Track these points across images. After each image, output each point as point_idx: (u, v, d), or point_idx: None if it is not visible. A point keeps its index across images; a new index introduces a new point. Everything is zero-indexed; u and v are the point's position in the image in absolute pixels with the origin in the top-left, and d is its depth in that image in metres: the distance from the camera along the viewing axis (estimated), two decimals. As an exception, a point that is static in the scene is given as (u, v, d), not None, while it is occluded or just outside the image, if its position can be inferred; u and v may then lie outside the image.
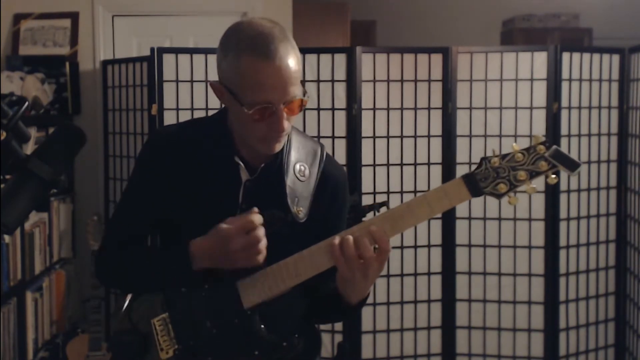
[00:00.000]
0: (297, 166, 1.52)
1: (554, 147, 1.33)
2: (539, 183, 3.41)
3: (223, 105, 1.54)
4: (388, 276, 3.22)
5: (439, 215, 3.23)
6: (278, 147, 1.46)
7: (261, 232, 1.40)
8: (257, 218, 1.40)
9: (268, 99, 1.37)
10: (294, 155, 1.53)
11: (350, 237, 1.36)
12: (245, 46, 1.37)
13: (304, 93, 1.43)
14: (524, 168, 1.33)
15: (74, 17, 3.96)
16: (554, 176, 1.33)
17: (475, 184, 1.34)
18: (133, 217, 1.58)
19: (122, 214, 1.63)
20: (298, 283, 1.41)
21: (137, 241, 1.59)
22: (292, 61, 1.38)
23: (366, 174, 3.17)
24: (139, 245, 1.59)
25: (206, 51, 3.11)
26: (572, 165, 1.31)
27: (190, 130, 1.59)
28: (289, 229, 1.46)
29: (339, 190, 1.59)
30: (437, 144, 3.24)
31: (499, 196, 1.34)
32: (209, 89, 3.15)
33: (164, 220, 1.56)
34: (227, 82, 1.42)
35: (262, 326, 1.44)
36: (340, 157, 3.13)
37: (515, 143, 1.37)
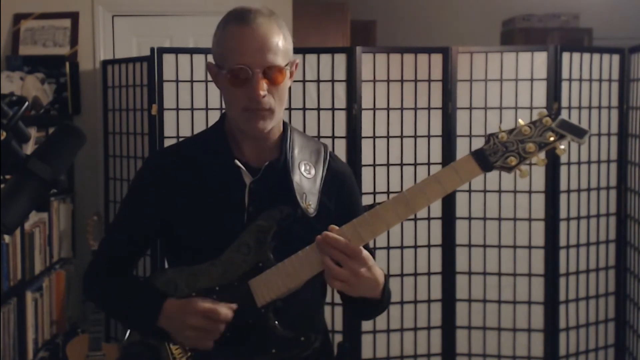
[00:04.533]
0: (302, 165, 1.52)
1: (560, 117, 1.34)
2: (539, 182, 3.39)
3: (223, 107, 1.55)
4: (388, 276, 3.20)
5: (439, 215, 3.24)
6: (262, 126, 1.45)
7: (221, 327, 1.40)
8: (224, 313, 1.39)
9: (243, 61, 1.41)
10: (297, 154, 1.52)
11: (327, 259, 1.35)
12: (229, 19, 1.46)
13: (291, 65, 1.47)
14: (532, 140, 1.33)
15: (74, 17, 3.96)
16: (562, 147, 1.33)
17: (485, 159, 1.34)
18: (124, 238, 1.59)
19: (114, 234, 1.65)
20: (311, 276, 1.40)
21: (127, 262, 1.61)
22: (272, 32, 1.43)
23: (366, 174, 3.17)
24: (123, 276, 1.59)
25: (206, 51, 3.11)
26: (579, 133, 1.32)
27: (188, 145, 1.61)
28: (299, 226, 1.45)
29: (346, 186, 1.59)
30: (437, 144, 3.24)
31: (509, 169, 1.34)
32: (209, 88, 3.18)
33: (174, 236, 1.55)
34: (215, 57, 1.50)
35: (277, 323, 1.43)
36: (340, 157, 3.10)
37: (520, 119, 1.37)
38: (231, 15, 1.46)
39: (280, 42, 1.44)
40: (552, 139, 1.32)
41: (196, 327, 1.39)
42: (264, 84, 1.41)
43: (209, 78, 3.23)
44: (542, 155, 1.34)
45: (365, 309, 1.53)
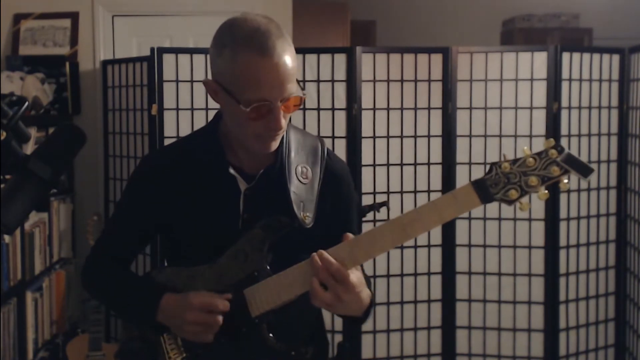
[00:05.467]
0: (299, 168, 1.50)
1: (567, 151, 1.29)
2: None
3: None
4: (388, 276, 3.22)
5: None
6: (274, 146, 1.44)
7: (219, 319, 1.39)
8: (222, 304, 1.39)
9: (265, 96, 1.34)
10: (294, 158, 1.50)
11: (314, 279, 1.33)
12: (242, 42, 1.35)
13: (301, 91, 1.41)
14: (536, 173, 1.28)
15: (74, 17, 3.96)
16: (566, 181, 1.29)
17: (485, 190, 1.30)
18: (120, 237, 1.59)
19: (110, 232, 1.65)
20: (306, 291, 1.38)
21: (124, 260, 1.61)
22: (289, 58, 1.36)
23: (366, 174, 3.17)
24: (122, 271, 1.59)
25: (206, 51, 3.07)
26: (584, 170, 1.28)
27: (183, 147, 1.58)
28: (295, 235, 1.44)
29: (342, 186, 1.57)
30: (437, 144, 3.24)
31: (510, 202, 1.30)
32: (209, 88, 3.17)
33: (170, 237, 1.55)
34: (222, 80, 1.40)
35: (271, 335, 1.42)
36: (340, 157, 3.12)
37: (517, 144, 1.35)
38: (245, 40, 1.35)
39: (295, 65, 1.38)
40: (556, 173, 1.28)
41: (195, 322, 1.39)
42: (282, 113, 1.38)
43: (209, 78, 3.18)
44: (544, 189, 1.30)
45: (343, 319, 1.54)
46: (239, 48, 1.35)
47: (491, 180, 1.30)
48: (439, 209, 1.33)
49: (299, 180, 1.48)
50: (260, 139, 1.41)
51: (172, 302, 1.43)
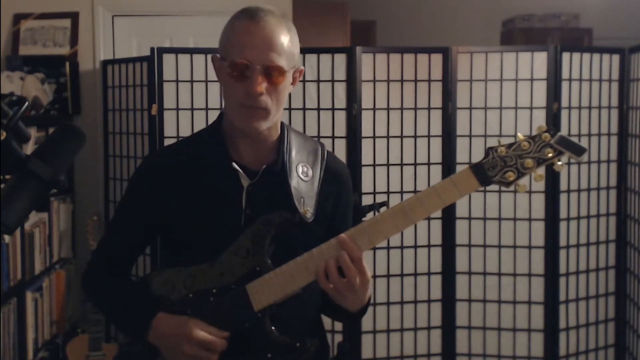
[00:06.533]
0: (300, 167, 1.51)
1: (559, 134, 1.34)
2: (539, 182, 3.39)
3: (222, 107, 1.54)
4: (388, 276, 3.22)
5: (439, 215, 3.24)
6: (256, 125, 1.44)
7: (215, 358, 1.40)
8: (220, 344, 1.40)
9: (246, 56, 1.40)
10: (295, 157, 1.52)
11: (332, 261, 1.36)
12: (240, 15, 1.45)
13: (295, 71, 1.48)
14: (531, 156, 1.35)
15: (74, 17, 3.95)
16: (560, 163, 1.35)
17: (483, 173, 1.35)
18: (122, 237, 1.59)
19: (112, 233, 1.65)
20: (309, 283, 1.40)
21: (126, 261, 1.61)
22: (280, 33, 1.43)
23: (366, 174, 3.17)
24: (119, 282, 1.59)
25: (206, 51, 3.11)
26: (577, 151, 1.33)
27: (186, 145, 1.60)
28: (296, 230, 1.45)
29: (342, 187, 1.59)
30: (437, 144, 3.24)
31: (508, 184, 1.36)
32: (209, 88, 3.17)
33: (170, 237, 1.55)
34: (220, 50, 1.48)
35: (274, 328, 1.42)
36: (340, 157, 3.08)
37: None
38: (242, 12, 1.46)
39: (286, 43, 1.43)
40: (550, 155, 1.34)
41: (192, 356, 1.40)
42: (262, 82, 1.40)
43: (209, 78, 3.22)
44: (540, 170, 1.36)
45: (338, 316, 1.56)
46: (236, 19, 1.45)
47: (489, 164, 1.36)
48: (439, 193, 1.37)
49: (300, 178, 1.50)
50: (243, 111, 1.43)
51: (167, 327, 1.43)
